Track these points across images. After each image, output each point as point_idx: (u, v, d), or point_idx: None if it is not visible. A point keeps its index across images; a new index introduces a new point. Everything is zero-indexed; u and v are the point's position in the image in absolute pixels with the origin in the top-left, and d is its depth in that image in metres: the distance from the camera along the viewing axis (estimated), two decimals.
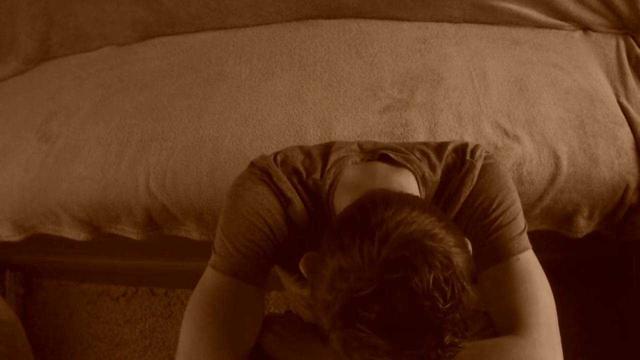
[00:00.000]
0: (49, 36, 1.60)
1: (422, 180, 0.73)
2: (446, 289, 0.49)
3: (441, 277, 0.50)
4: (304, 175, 0.73)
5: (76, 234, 1.33)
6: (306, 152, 0.78)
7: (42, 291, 1.72)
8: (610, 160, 1.12)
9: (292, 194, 0.71)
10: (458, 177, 0.71)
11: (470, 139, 1.17)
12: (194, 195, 1.22)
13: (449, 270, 0.50)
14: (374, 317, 0.49)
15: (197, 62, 1.46)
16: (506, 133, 1.17)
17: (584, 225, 1.18)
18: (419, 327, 0.49)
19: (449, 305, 0.49)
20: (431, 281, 0.49)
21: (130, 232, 1.31)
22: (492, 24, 1.43)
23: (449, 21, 1.44)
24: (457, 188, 0.71)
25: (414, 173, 0.73)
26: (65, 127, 1.37)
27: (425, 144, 0.78)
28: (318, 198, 0.72)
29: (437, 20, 1.44)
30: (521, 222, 0.70)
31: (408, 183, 0.71)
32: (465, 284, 0.51)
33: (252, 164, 0.74)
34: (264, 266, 0.71)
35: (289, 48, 1.43)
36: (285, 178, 0.71)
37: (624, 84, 1.28)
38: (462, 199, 0.70)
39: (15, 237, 1.36)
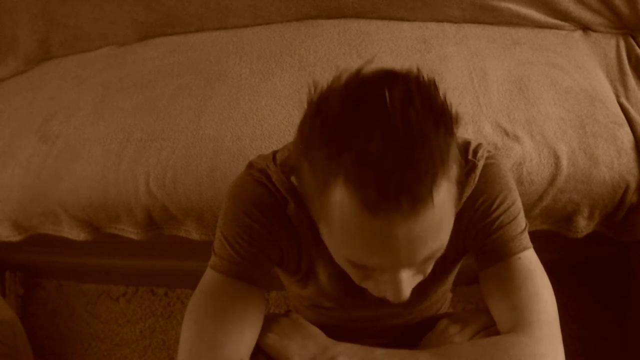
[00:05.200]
0: (49, 36, 1.60)
1: None
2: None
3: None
4: None
5: (76, 234, 1.33)
6: None
7: (42, 291, 1.72)
8: (610, 160, 1.12)
9: (290, 194, 0.71)
10: None
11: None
12: (194, 195, 1.22)
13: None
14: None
15: (197, 62, 1.46)
16: (506, 133, 1.17)
17: (584, 225, 1.18)
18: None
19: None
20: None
21: (130, 232, 1.31)
22: (492, 24, 1.43)
23: (449, 21, 1.44)
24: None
25: None
26: (65, 127, 1.37)
27: None
28: None
29: (437, 20, 1.44)
30: (522, 222, 0.70)
31: None
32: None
33: (251, 165, 0.74)
34: (263, 267, 0.71)
35: (289, 48, 1.43)
36: (284, 178, 0.71)
37: (624, 84, 1.28)
38: (464, 199, 0.70)
39: (15, 237, 1.36)
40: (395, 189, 0.47)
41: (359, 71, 0.53)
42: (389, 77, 0.52)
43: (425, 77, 0.53)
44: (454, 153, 0.53)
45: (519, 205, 0.71)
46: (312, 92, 0.54)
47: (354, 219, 0.51)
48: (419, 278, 0.62)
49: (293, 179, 0.72)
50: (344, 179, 0.50)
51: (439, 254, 0.59)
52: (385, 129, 0.48)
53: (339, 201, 0.51)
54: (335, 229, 0.54)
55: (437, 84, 0.52)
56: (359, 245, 0.53)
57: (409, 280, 0.58)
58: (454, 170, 0.53)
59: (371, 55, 1.35)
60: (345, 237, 0.54)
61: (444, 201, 0.51)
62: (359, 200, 0.49)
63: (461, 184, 0.56)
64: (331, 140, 0.50)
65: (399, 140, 0.47)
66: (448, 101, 0.52)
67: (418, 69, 0.53)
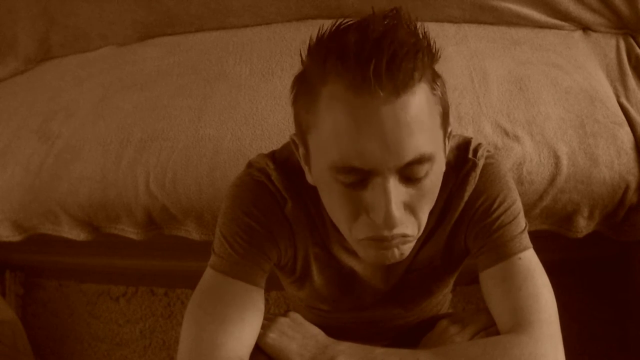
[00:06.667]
0: (49, 36, 1.60)
1: None
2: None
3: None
4: (302, 173, 0.73)
5: (76, 234, 1.33)
6: None
7: (42, 291, 1.72)
8: (610, 160, 1.12)
9: (289, 193, 0.71)
10: (460, 176, 0.71)
11: None
12: (194, 195, 1.22)
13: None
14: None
15: (197, 62, 1.46)
16: (506, 133, 1.17)
17: (584, 225, 1.18)
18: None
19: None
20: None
21: (130, 232, 1.31)
22: (492, 24, 1.43)
23: (449, 21, 1.44)
24: (460, 187, 0.71)
25: None
26: (65, 127, 1.37)
27: None
28: (317, 196, 0.72)
29: (437, 20, 1.44)
30: (522, 222, 0.70)
31: None
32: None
33: (250, 165, 0.74)
34: (263, 266, 0.71)
35: (289, 48, 1.43)
36: (283, 177, 0.71)
37: (624, 84, 1.28)
38: (465, 198, 0.70)
39: (15, 237, 1.35)
40: (376, 70, 0.51)
41: None
42: None
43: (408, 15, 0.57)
44: (437, 77, 0.59)
45: (519, 205, 0.71)
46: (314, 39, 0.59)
47: (341, 105, 0.54)
48: (413, 223, 0.61)
49: (293, 178, 0.72)
50: (332, 74, 0.54)
51: (430, 185, 0.59)
52: (365, 26, 0.54)
53: (327, 95, 0.55)
54: (325, 125, 0.56)
55: (417, 19, 0.57)
56: (347, 135, 0.54)
57: (398, 199, 0.57)
58: (437, 86, 0.58)
59: None
60: (334, 129, 0.55)
61: (427, 100, 0.56)
62: (345, 85, 0.53)
63: (445, 109, 0.60)
64: (321, 49, 0.56)
65: (377, 32, 0.53)
66: (429, 35, 0.57)
67: (400, 7, 0.58)
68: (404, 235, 0.60)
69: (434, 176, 0.59)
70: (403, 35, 0.53)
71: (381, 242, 0.60)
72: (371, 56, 0.51)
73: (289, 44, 1.44)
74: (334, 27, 0.57)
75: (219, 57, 1.46)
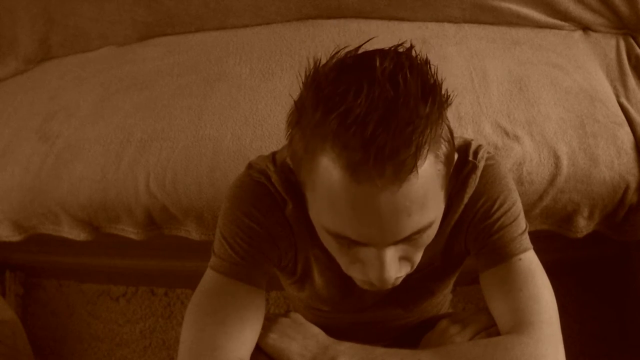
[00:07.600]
0: (49, 36, 1.60)
1: None
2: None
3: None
4: None
5: (76, 234, 1.33)
6: None
7: (42, 291, 1.72)
8: (610, 160, 1.12)
9: (289, 195, 0.71)
10: (460, 178, 0.71)
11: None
12: (194, 195, 1.22)
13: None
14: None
15: (197, 62, 1.46)
16: (506, 133, 1.17)
17: (584, 225, 1.18)
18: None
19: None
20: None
21: (130, 232, 1.31)
22: (492, 24, 1.43)
23: (449, 21, 1.44)
24: (460, 189, 0.71)
25: None
26: (65, 127, 1.37)
27: None
28: None
29: (437, 20, 1.44)
30: (522, 223, 0.70)
31: None
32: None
33: (250, 166, 0.74)
34: (263, 267, 0.71)
35: (289, 48, 1.43)
36: (283, 179, 0.71)
37: (624, 84, 1.28)
38: (466, 200, 0.70)
39: (15, 237, 1.35)
40: (378, 153, 0.47)
41: (358, 47, 0.56)
42: (383, 50, 0.54)
43: (419, 53, 0.54)
44: (444, 131, 0.54)
45: (519, 207, 0.71)
46: (311, 66, 0.55)
47: (338, 185, 0.51)
48: (407, 267, 0.62)
49: (293, 179, 0.72)
50: (330, 142, 0.50)
51: (427, 238, 0.59)
52: (371, 91, 0.48)
53: (325, 165, 0.52)
54: (321, 196, 0.54)
55: (429, 62, 0.53)
56: (343, 213, 0.53)
57: (394, 261, 0.57)
58: (442, 147, 0.54)
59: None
60: (330, 205, 0.54)
61: (430, 175, 0.52)
62: (343, 163, 0.50)
63: (450, 164, 0.57)
64: (320, 103, 0.51)
65: (384, 102, 0.48)
66: (439, 80, 0.52)
67: (411, 45, 0.54)
68: (398, 278, 0.62)
69: (431, 231, 0.59)
70: (413, 102, 0.48)
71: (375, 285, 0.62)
72: (375, 135, 0.47)
73: (289, 44, 1.44)
74: (337, 63, 0.53)
75: (219, 57, 1.45)
